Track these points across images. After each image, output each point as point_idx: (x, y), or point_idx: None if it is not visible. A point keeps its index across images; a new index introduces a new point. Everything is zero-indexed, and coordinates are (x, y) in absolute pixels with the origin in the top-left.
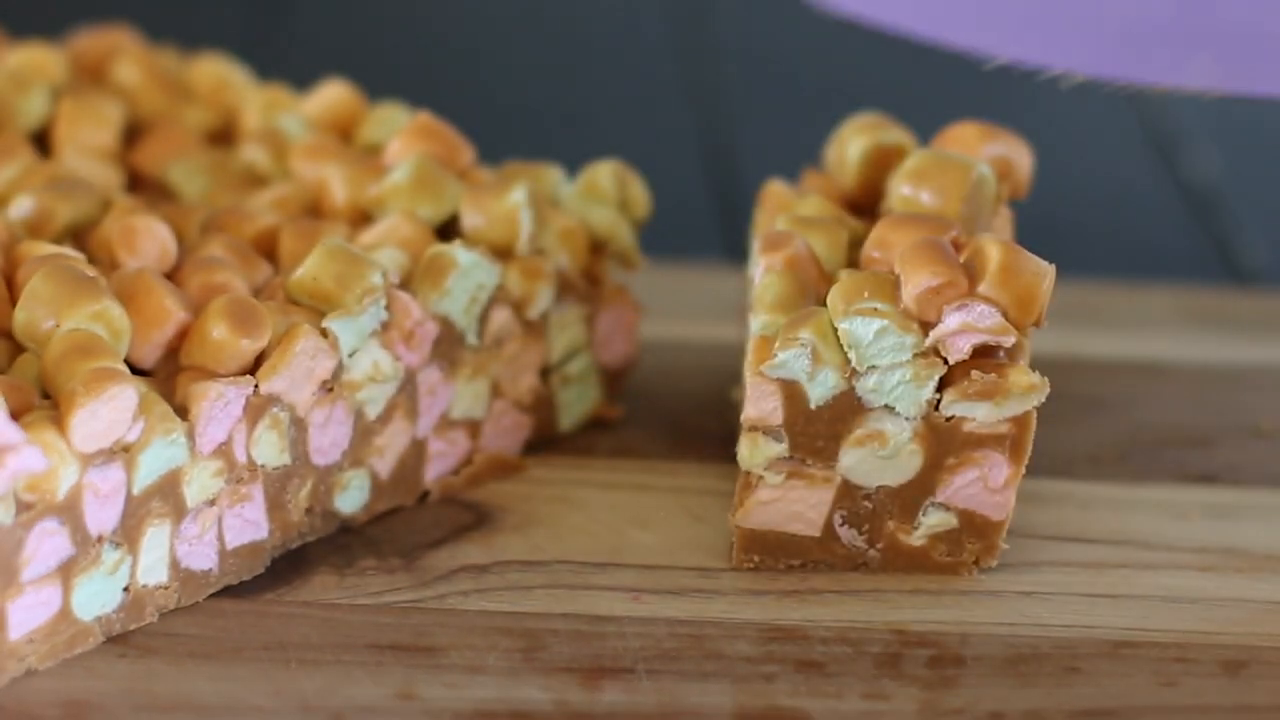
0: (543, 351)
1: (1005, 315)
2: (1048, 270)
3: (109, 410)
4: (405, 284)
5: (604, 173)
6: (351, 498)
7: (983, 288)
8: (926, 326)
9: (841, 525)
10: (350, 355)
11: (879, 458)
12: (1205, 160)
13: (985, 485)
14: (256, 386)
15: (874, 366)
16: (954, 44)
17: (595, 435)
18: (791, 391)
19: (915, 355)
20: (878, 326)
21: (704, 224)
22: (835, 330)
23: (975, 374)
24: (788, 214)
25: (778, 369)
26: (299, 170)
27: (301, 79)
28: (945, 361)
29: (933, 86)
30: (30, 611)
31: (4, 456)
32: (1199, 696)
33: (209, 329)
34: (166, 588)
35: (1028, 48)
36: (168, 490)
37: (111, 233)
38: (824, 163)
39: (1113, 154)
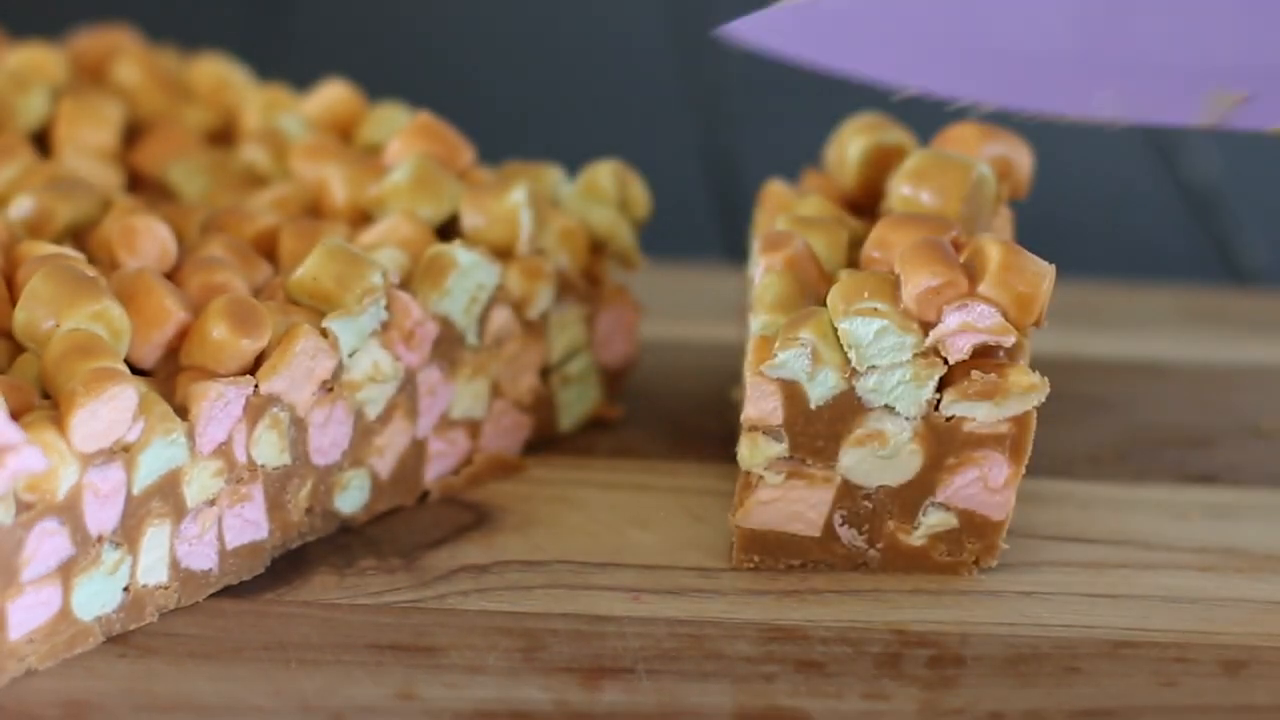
0: (543, 351)
1: (1005, 315)
2: (1048, 270)
3: (109, 410)
4: (405, 284)
5: (604, 173)
6: (351, 498)
7: (983, 288)
8: (926, 326)
9: (841, 525)
10: (350, 355)
11: (879, 458)
12: (1205, 160)
13: (985, 485)
14: (256, 386)
15: (874, 366)
16: (862, 77)
17: (595, 435)
18: (791, 391)
19: (915, 355)
20: (878, 326)
21: (704, 224)
22: (835, 330)
23: (975, 374)
24: (788, 214)
25: (778, 369)
26: (299, 170)
27: (301, 79)
28: (945, 361)
29: None
30: (30, 611)
31: (4, 456)
32: (1199, 696)
33: (209, 329)
34: (166, 588)
35: (936, 79)
36: (168, 490)
37: (111, 233)
38: (824, 163)
39: (1113, 154)
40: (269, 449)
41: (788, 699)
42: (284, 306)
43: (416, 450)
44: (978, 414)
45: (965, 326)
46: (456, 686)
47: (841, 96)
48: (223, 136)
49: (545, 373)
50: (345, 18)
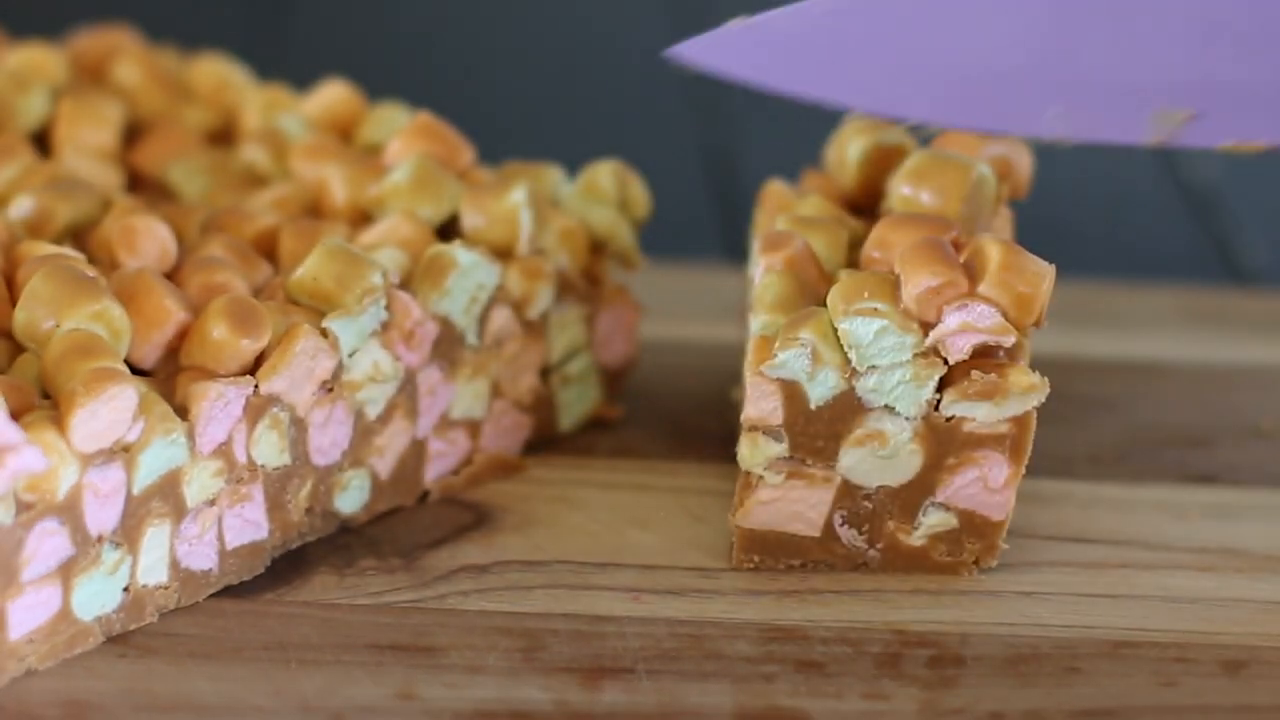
0: (543, 351)
1: (1005, 315)
2: (1048, 270)
3: (109, 410)
4: (405, 284)
5: (604, 173)
6: (351, 498)
7: (983, 288)
8: (926, 326)
9: (841, 525)
10: (350, 355)
11: (879, 458)
12: (1205, 160)
13: (985, 485)
14: (256, 386)
15: (874, 366)
16: (811, 98)
17: (595, 435)
18: (791, 391)
19: (915, 355)
20: (878, 326)
21: (704, 224)
22: (835, 330)
23: (975, 374)
24: (788, 214)
25: (778, 369)
26: (299, 170)
27: (301, 79)
28: (945, 361)
29: None
30: (30, 611)
31: (4, 456)
32: (1199, 696)
33: (209, 329)
34: (166, 588)
35: (884, 100)
36: (168, 490)
37: (111, 233)
38: (824, 163)
39: (1113, 154)
40: (269, 449)
41: (788, 699)
42: (284, 306)
43: (416, 450)
44: (978, 414)
45: (965, 326)
46: (456, 686)
47: None
48: (223, 136)
49: (545, 373)
50: (345, 18)
